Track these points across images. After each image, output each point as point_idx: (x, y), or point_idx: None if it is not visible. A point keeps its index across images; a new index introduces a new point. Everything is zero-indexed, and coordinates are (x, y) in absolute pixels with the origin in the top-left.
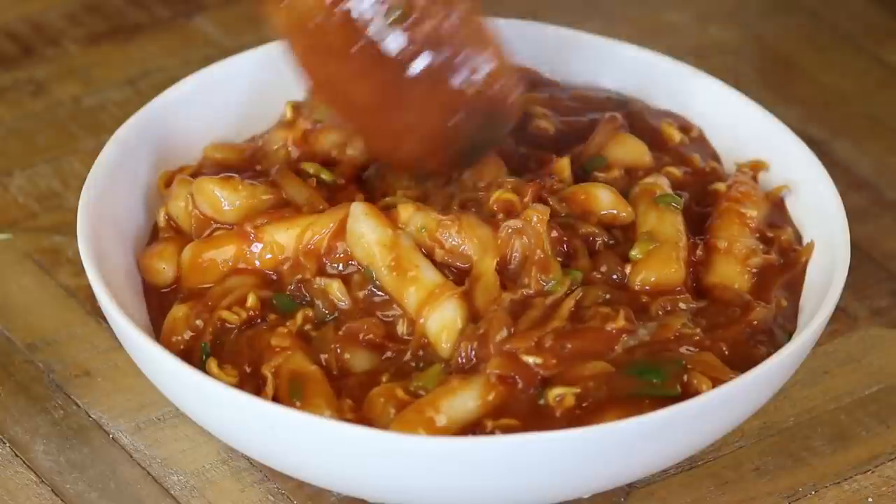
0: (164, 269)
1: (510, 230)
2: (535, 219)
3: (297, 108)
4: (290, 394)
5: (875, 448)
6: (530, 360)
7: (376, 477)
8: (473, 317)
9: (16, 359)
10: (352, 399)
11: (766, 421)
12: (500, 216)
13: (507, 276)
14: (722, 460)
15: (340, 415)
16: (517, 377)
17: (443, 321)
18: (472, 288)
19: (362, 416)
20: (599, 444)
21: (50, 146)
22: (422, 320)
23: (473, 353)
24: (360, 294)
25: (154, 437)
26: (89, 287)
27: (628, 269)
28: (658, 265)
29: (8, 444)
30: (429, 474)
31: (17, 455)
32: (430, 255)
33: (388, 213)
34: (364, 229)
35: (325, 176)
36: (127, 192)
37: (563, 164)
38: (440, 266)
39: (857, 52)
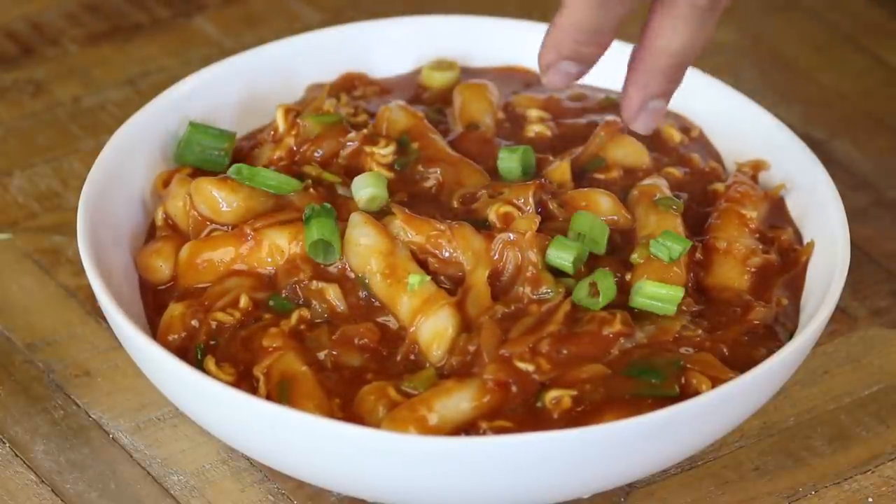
0: (161, 266)
1: (502, 242)
2: (527, 234)
3: (288, 112)
4: (278, 395)
5: (875, 448)
6: (523, 366)
7: (377, 477)
8: (465, 326)
9: (16, 359)
10: (339, 397)
11: (766, 421)
12: (501, 227)
13: (500, 287)
14: (722, 460)
15: (330, 415)
16: (513, 383)
17: (435, 329)
18: (464, 298)
19: (351, 413)
20: (599, 444)
21: (50, 146)
22: (413, 328)
23: (468, 359)
24: (357, 298)
25: (154, 437)
26: (89, 287)
27: (629, 275)
28: (659, 269)
29: (8, 444)
30: (428, 474)
31: (17, 455)
32: (423, 265)
33: (380, 220)
34: (361, 237)
35: (328, 177)
36: (126, 191)
37: (564, 168)
38: (433, 275)
39: (857, 52)
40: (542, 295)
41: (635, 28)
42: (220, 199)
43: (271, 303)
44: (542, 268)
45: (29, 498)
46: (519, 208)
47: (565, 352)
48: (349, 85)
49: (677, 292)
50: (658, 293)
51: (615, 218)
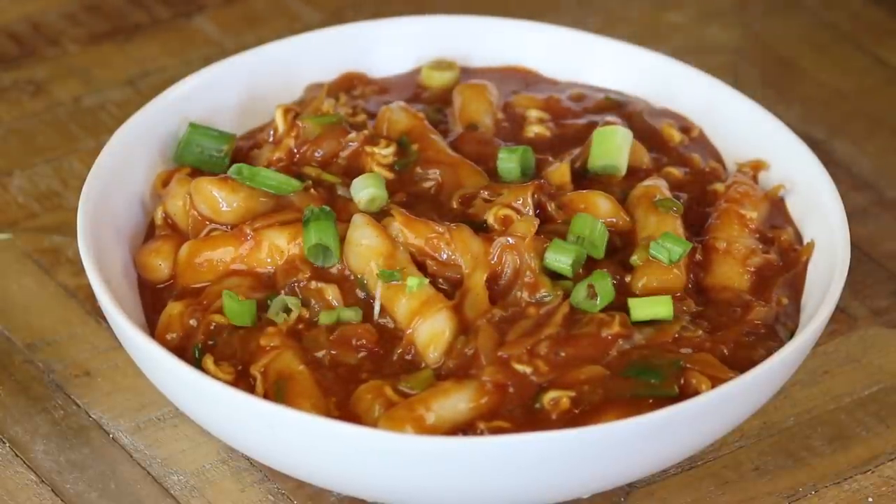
0: (160, 265)
1: (501, 246)
2: (526, 238)
3: (287, 113)
4: (274, 394)
5: (875, 448)
6: (521, 368)
7: (376, 477)
8: (463, 329)
9: (16, 359)
10: (336, 396)
11: (766, 421)
12: (499, 229)
13: (498, 290)
14: (722, 460)
15: (326, 414)
16: (510, 385)
17: (432, 331)
18: (462, 301)
19: (348, 412)
20: (598, 444)
21: (50, 146)
22: (410, 330)
23: (466, 361)
24: (356, 299)
25: (154, 437)
26: (89, 287)
27: (628, 277)
28: (659, 271)
29: (8, 444)
30: (428, 474)
31: (17, 455)
32: (422, 267)
33: (379, 221)
34: (363, 239)
35: (327, 178)
36: (126, 191)
37: (563, 170)
38: (432, 277)
39: (857, 52)
40: (541, 298)
41: (634, 28)
42: (220, 199)
43: (270, 303)
44: (540, 272)
45: (29, 498)
46: (517, 210)
47: (563, 354)
48: (348, 85)
49: (668, 305)
50: (653, 311)
51: (614, 220)
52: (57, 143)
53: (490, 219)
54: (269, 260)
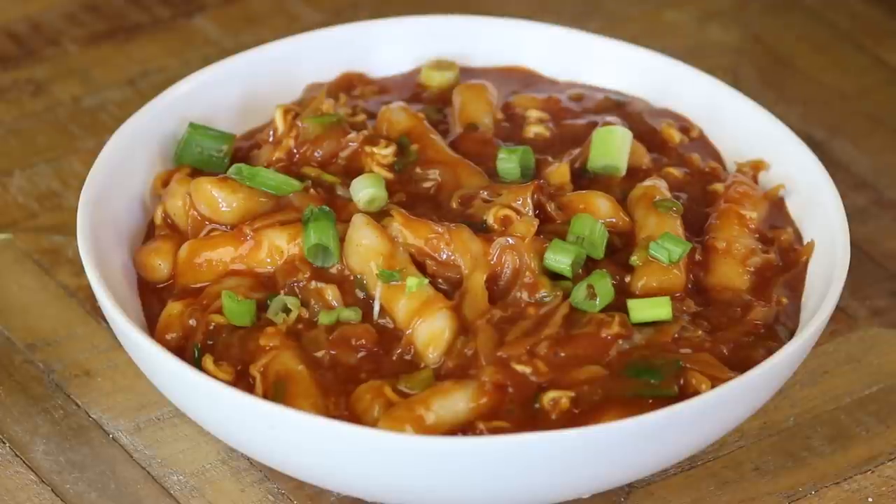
0: (160, 265)
1: (500, 247)
2: (526, 239)
3: (287, 113)
4: (273, 394)
5: (875, 448)
6: (521, 368)
7: (376, 477)
8: (462, 329)
9: (16, 359)
10: (335, 396)
11: (766, 421)
12: (499, 229)
13: (498, 291)
14: (722, 460)
15: (325, 413)
16: (510, 386)
17: (432, 332)
18: (461, 301)
19: (347, 412)
20: (599, 444)
21: (50, 146)
22: (410, 331)
23: (465, 362)
24: (355, 298)
25: (154, 437)
26: (89, 287)
27: (628, 277)
28: (658, 271)
29: (8, 444)
30: (428, 474)
31: (17, 455)
32: (422, 267)
33: (378, 221)
34: (363, 239)
35: (327, 178)
36: (126, 191)
37: (563, 170)
38: (431, 277)
39: (857, 52)
40: (540, 299)
41: (634, 28)
42: (219, 199)
43: (269, 303)
44: (540, 272)
45: (29, 498)
46: (517, 211)
47: (563, 354)
48: (348, 85)
49: (667, 306)
50: (652, 312)
51: (614, 220)
52: (57, 143)
53: (490, 219)
54: (268, 260)
